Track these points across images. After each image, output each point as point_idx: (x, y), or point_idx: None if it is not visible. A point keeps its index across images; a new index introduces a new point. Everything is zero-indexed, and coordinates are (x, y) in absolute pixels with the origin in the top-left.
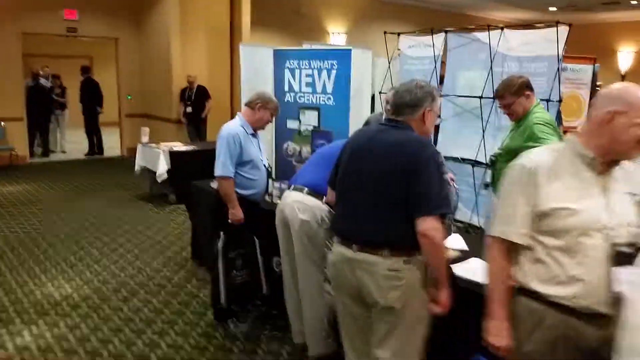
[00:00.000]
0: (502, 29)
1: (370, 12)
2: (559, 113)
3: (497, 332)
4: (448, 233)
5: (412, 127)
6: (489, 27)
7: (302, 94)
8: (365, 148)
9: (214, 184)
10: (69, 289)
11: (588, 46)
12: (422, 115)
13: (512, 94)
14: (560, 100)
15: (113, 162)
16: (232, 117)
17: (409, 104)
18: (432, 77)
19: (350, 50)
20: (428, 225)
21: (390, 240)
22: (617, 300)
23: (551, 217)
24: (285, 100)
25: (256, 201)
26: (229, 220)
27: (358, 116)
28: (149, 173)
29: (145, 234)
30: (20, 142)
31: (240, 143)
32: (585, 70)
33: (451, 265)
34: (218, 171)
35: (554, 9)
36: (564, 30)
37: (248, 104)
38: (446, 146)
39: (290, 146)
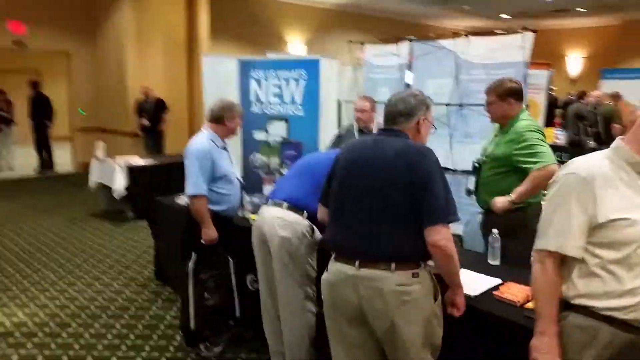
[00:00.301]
0: (466, 35)
1: (328, 22)
2: None
3: (548, 349)
4: None
5: (408, 136)
6: (454, 34)
7: (269, 105)
8: (363, 159)
9: (180, 200)
10: (22, 315)
11: (538, 52)
12: (417, 124)
13: (496, 95)
14: (527, 106)
15: (65, 179)
16: (191, 129)
17: (402, 113)
18: (398, 86)
19: (318, 60)
20: (439, 235)
21: (397, 253)
22: None
23: (609, 228)
24: (252, 111)
25: (229, 216)
26: (202, 241)
27: (325, 126)
28: (105, 189)
29: (103, 253)
30: None
31: (211, 159)
32: (541, 76)
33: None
34: (190, 190)
35: (507, 16)
36: (529, 36)
37: (214, 120)
38: None
39: (258, 157)
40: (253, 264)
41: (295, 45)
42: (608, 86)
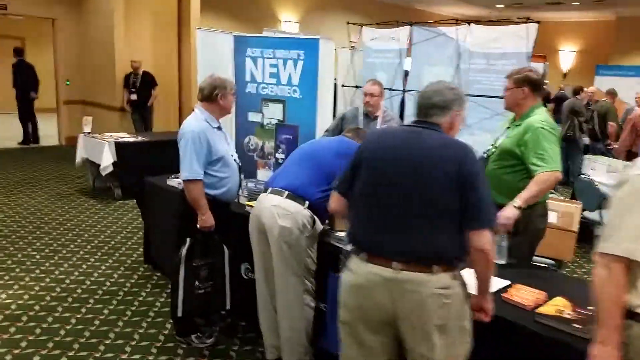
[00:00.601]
0: (469, 23)
1: (322, 2)
2: None
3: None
4: None
5: (442, 130)
6: (457, 21)
7: (265, 85)
8: (397, 151)
9: (172, 182)
10: (6, 297)
11: None
12: (451, 119)
13: (513, 81)
14: None
15: (51, 152)
16: (181, 106)
17: (438, 105)
18: (396, 71)
19: (317, 40)
20: (485, 239)
21: (438, 254)
22: None
23: None
24: (247, 92)
25: (227, 202)
26: (198, 226)
27: (322, 110)
28: (92, 165)
29: (91, 233)
30: None
31: (207, 140)
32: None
33: None
34: (184, 174)
35: (501, 5)
36: (533, 27)
37: (206, 99)
38: None
39: (252, 140)
40: (248, 252)
41: (288, 24)
42: (602, 82)
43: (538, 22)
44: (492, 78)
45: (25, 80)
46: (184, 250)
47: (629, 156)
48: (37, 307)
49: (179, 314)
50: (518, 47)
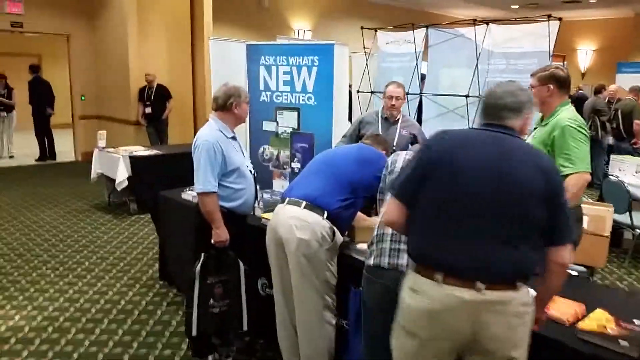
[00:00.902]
0: (487, 23)
1: (335, 9)
2: None
3: None
4: None
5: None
6: (474, 21)
7: (279, 93)
8: (480, 158)
9: (187, 195)
10: (19, 319)
11: None
12: (523, 122)
13: (538, 79)
14: None
15: (67, 168)
16: (196, 118)
17: (510, 107)
18: (413, 75)
19: (332, 45)
20: (568, 254)
21: (525, 270)
22: None
23: None
24: (261, 100)
25: (244, 214)
26: (212, 242)
27: (338, 116)
28: (107, 180)
29: (106, 250)
30: None
31: (222, 151)
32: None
33: None
34: (199, 187)
35: (516, 6)
36: (555, 24)
37: (220, 108)
38: None
39: (267, 150)
40: (265, 266)
41: (301, 32)
42: (624, 80)
43: (560, 19)
44: (513, 78)
45: (41, 97)
46: (197, 267)
47: None
48: (50, 329)
49: (194, 333)
50: (538, 45)
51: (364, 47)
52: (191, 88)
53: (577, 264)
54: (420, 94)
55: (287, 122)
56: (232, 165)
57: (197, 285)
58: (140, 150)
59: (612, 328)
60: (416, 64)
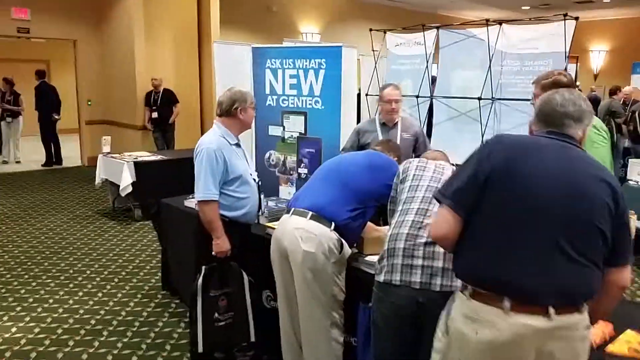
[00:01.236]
0: (500, 24)
1: (343, 12)
2: None
3: None
4: None
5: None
6: (487, 21)
7: (285, 97)
8: (551, 170)
9: (189, 202)
10: (16, 331)
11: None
12: (582, 133)
13: (541, 87)
14: None
15: (73, 173)
16: (202, 122)
17: (572, 116)
18: (423, 77)
19: (340, 47)
20: (628, 275)
21: (590, 292)
22: None
23: None
24: (267, 105)
25: (248, 223)
26: (213, 253)
27: (346, 120)
28: (112, 186)
29: (108, 258)
30: None
31: (224, 158)
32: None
33: None
34: (198, 195)
35: (527, 7)
36: (571, 24)
37: (225, 114)
38: None
39: (273, 155)
40: (269, 278)
41: (309, 35)
42: (638, 81)
43: (577, 18)
44: (527, 80)
45: (47, 102)
46: (199, 280)
47: None
48: (47, 342)
49: (200, 350)
50: (553, 46)
51: (373, 49)
52: (198, 92)
53: None
54: (431, 97)
55: (294, 126)
56: (234, 173)
57: (199, 300)
58: (145, 156)
59: None
60: (427, 66)
